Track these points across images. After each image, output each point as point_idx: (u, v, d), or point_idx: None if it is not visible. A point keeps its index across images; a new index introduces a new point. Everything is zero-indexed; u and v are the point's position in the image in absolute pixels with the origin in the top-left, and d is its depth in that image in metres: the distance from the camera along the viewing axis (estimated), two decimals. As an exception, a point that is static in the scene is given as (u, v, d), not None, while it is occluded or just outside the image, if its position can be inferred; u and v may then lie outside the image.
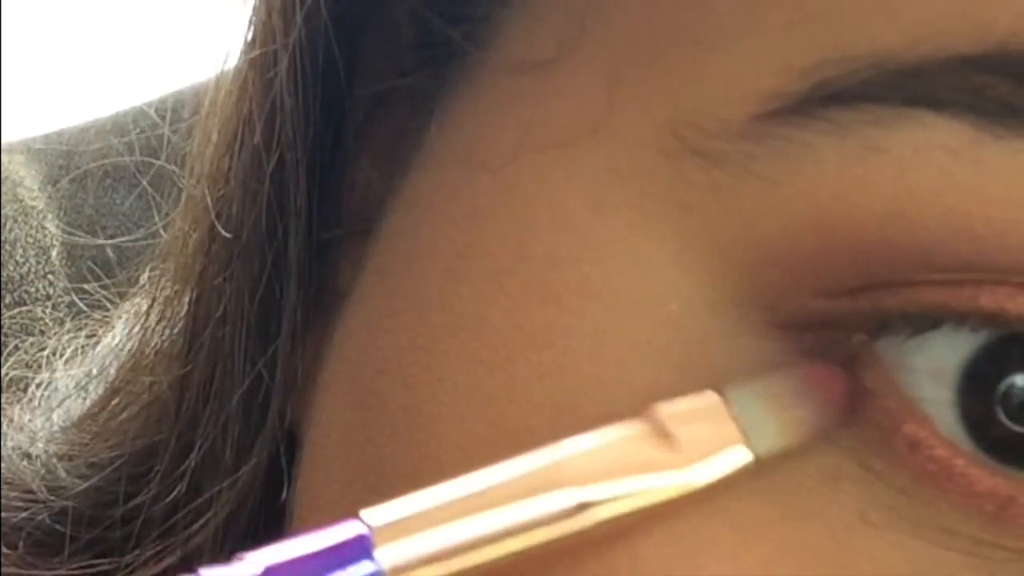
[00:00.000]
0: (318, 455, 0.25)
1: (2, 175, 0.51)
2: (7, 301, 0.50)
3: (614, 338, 0.21)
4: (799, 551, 0.20)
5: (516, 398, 0.21)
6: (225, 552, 0.27)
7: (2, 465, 0.32)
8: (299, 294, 0.27)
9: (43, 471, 0.32)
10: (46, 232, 0.52)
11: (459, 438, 0.22)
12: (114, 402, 0.32)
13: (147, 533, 0.29)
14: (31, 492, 0.32)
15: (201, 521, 0.28)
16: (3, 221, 0.51)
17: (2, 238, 0.50)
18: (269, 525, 0.28)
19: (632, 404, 0.21)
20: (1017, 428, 0.20)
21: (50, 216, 0.52)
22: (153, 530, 0.29)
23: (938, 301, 0.20)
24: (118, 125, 0.48)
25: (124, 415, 0.31)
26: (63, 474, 0.32)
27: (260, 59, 0.27)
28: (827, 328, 0.21)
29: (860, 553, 0.20)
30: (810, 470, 0.21)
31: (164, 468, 0.29)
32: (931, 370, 0.21)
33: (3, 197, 0.51)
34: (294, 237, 0.26)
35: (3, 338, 0.39)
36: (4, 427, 0.34)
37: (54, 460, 0.32)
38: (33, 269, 0.51)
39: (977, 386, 0.21)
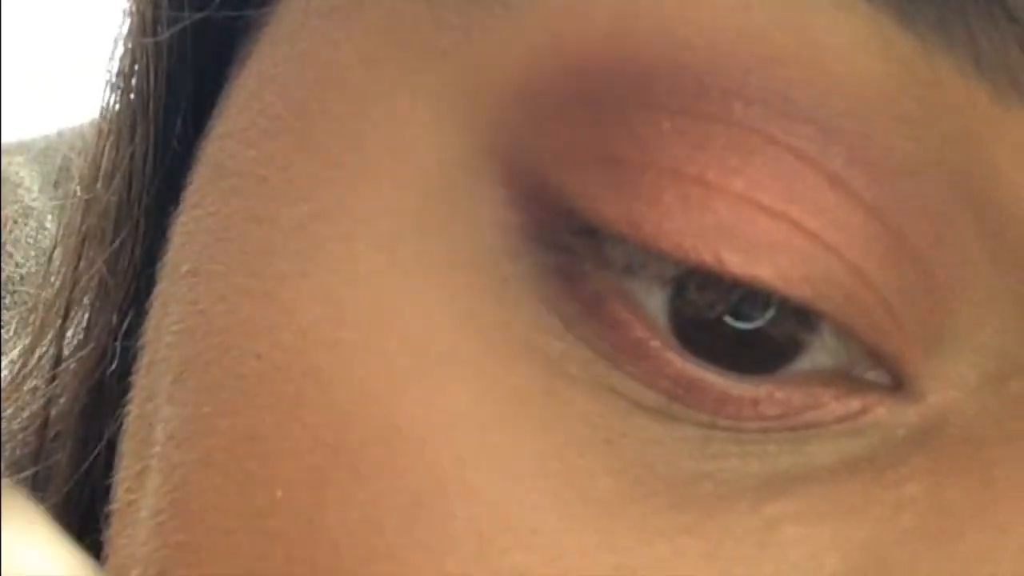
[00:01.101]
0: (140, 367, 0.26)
1: (2, 176, 0.51)
2: (7, 302, 0.50)
3: (367, 193, 0.21)
4: (504, 393, 0.20)
5: (276, 251, 0.21)
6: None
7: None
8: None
9: None
10: (46, 233, 0.52)
11: (226, 307, 0.22)
12: (24, 371, 0.33)
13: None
14: None
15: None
16: (3, 222, 0.51)
17: (2, 239, 0.50)
18: None
19: (376, 264, 0.20)
20: (736, 324, 0.20)
21: (50, 217, 0.52)
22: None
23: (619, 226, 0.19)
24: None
25: (31, 383, 0.33)
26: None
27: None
28: (548, 205, 0.20)
29: (558, 398, 0.20)
30: (517, 318, 0.20)
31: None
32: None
33: (3, 198, 0.51)
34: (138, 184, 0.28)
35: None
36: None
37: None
38: (33, 269, 0.51)
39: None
